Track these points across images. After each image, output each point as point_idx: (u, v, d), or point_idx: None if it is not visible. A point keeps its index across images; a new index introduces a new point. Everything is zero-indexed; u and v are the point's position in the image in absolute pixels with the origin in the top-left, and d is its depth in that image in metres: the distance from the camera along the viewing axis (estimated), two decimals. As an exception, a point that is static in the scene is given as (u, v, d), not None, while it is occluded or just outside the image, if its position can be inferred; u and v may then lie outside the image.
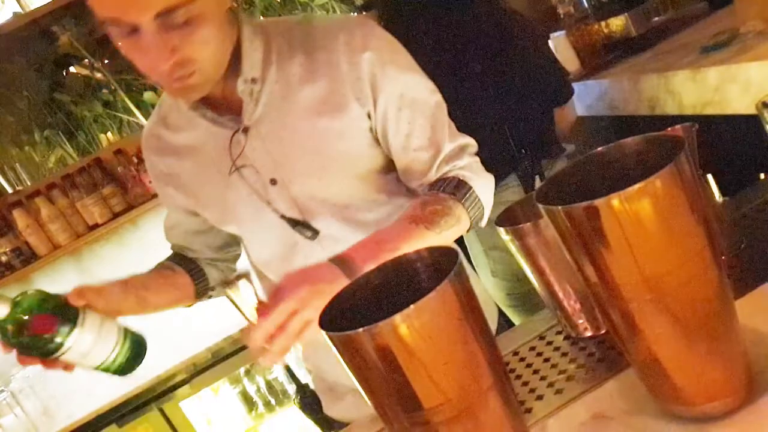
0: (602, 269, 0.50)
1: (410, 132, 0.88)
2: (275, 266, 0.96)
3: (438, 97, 0.91)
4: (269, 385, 2.24)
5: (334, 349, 0.51)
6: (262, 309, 0.73)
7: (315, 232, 0.91)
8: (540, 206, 0.53)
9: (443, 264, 0.52)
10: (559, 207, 0.50)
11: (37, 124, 2.27)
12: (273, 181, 0.89)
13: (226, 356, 2.08)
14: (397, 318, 0.46)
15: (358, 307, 0.55)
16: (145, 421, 2.05)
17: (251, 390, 2.25)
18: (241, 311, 0.76)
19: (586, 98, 1.94)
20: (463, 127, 1.41)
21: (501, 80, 1.45)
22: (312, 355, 1.06)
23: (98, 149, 2.34)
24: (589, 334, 0.76)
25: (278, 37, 0.88)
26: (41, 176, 2.32)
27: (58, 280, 2.40)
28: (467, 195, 0.87)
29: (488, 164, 1.46)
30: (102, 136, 2.40)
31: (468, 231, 0.90)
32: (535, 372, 0.74)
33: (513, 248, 0.76)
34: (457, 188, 0.86)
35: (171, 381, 2.05)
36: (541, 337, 0.81)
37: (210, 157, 0.91)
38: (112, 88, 2.31)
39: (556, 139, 1.61)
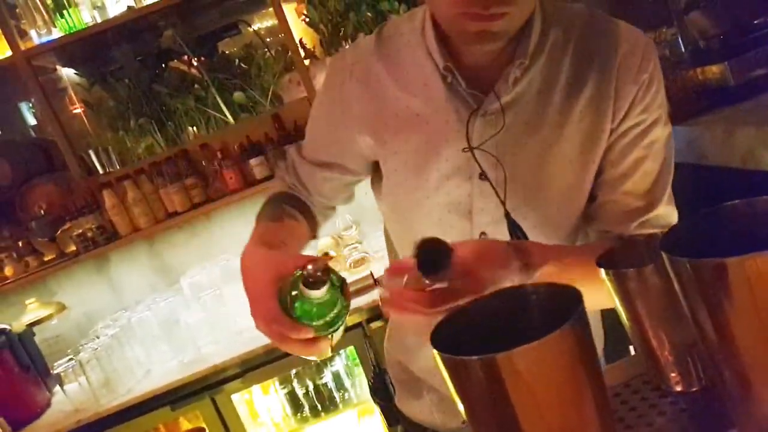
0: (723, 328, 0.50)
1: (629, 173, 0.81)
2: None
3: (671, 153, 0.83)
4: (317, 390, 2.27)
5: (443, 370, 0.52)
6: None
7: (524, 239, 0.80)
8: (665, 255, 0.52)
9: (559, 302, 0.52)
10: (687, 260, 0.50)
11: (134, 112, 2.40)
12: (482, 176, 0.81)
13: (278, 357, 2.12)
14: (518, 352, 0.47)
15: (470, 329, 0.56)
16: (197, 408, 2.11)
17: (299, 392, 2.28)
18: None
19: (674, 144, 1.89)
20: None
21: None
22: (403, 343, 1.02)
23: (184, 141, 2.45)
24: (680, 389, 0.74)
25: (558, 25, 0.80)
26: (131, 161, 2.45)
27: (131, 259, 2.52)
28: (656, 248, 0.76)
29: None
30: (189, 129, 2.51)
31: None
32: (620, 420, 0.73)
33: (611, 290, 0.75)
34: (648, 238, 0.77)
35: (224, 373, 2.10)
36: (627, 385, 0.80)
37: (431, 125, 0.82)
38: (205, 84, 2.42)
39: None
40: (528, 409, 0.49)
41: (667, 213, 0.84)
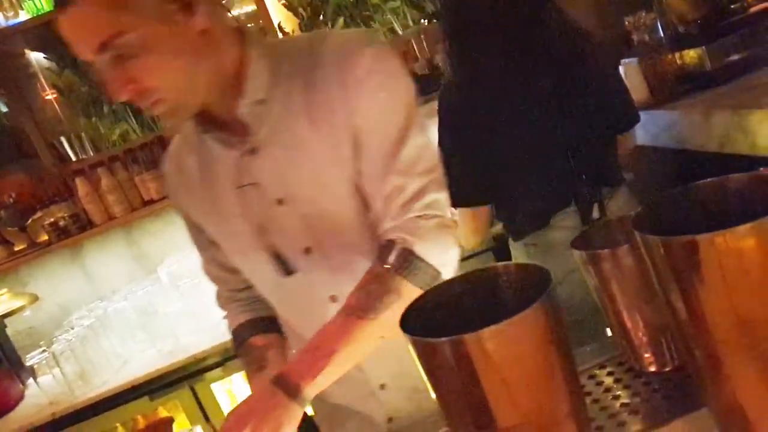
0: (695, 306, 0.49)
1: (373, 166, 0.87)
2: (268, 292, 1.01)
3: (411, 133, 0.88)
4: (298, 378, 2.25)
5: (413, 352, 0.50)
6: None
7: (289, 272, 0.94)
8: (637, 234, 0.52)
9: (530, 282, 0.51)
10: (658, 237, 0.49)
11: (107, 97, 2.34)
12: (280, 201, 0.90)
13: (258, 344, 2.11)
14: (486, 332, 0.46)
15: (439, 312, 0.55)
16: (176, 397, 2.08)
17: (280, 380, 2.26)
18: None
19: (652, 128, 1.89)
20: (524, 148, 1.39)
21: (567, 101, 1.41)
22: None
23: (160, 127, 2.40)
24: (653, 369, 0.74)
25: (285, 59, 0.89)
26: (104, 148, 2.39)
27: (107, 248, 2.47)
28: (409, 266, 0.83)
29: (548, 188, 1.44)
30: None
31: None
32: (595, 401, 0.73)
33: (585, 272, 0.74)
34: (398, 259, 0.83)
35: (204, 362, 2.08)
36: (602, 366, 0.80)
37: (220, 177, 0.93)
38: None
39: (618, 167, 1.55)
40: (498, 391, 0.48)
41: (402, 183, 0.87)
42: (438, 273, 0.85)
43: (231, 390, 2.30)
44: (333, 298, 0.93)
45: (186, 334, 2.15)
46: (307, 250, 0.91)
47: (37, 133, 2.21)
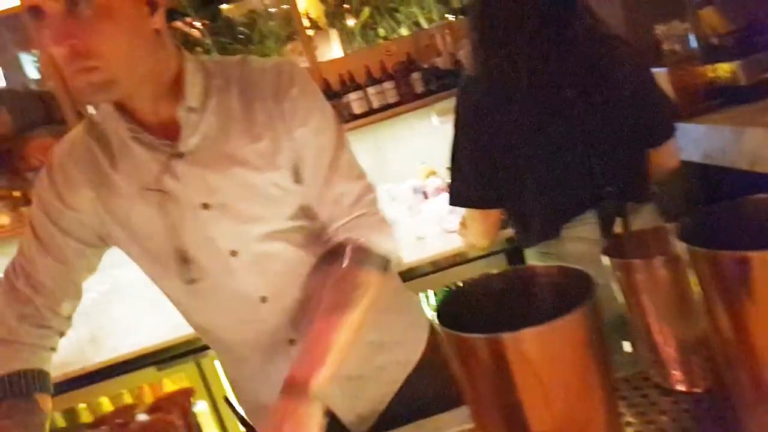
0: (741, 325, 0.49)
1: (313, 171, 0.95)
2: (177, 298, 1.04)
3: (341, 143, 0.97)
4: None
5: (447, 348, 0.51)
6: None
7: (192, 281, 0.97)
8: (682, 245, 0.51)
9: (571, 286, 0.52)
10: (708, 251, 0.49)
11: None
12: (205, 206, 0.93)
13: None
14: (527, 333, 0.46)
15: (474, 307, 0.55)
16: (182, 370, 2.11)
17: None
18: None
19: (678, 141, 1.88)
20: (542, 153, 1.37)
21: (592, 108, 1.36)
22: (248, 383, 1.09)
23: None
24: (682, 388, 0.73)
25: (218, 74, 0.94)
26: (129, 118, 2.40)
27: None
28: (365, 259, 0.93)
29: (569, 195, 1.38)
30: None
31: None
32: (620, 415, 0.72)
33: (615, 281, 0.74)
34: (353, 255, 0.93)
35: (211, 337, 2.10)
36: (626, 380, 0.79)
37: (140, 180, 0.93)
38: (207, 47, 2.38)
39: (646, 182, 1.48)
40: (533, 394, 0.48)
41: (351, 189, 0.97)
42: (388, 259, 0.96)
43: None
44: (263, 299, 0.97)
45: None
46: (233, 253, 0.95)
47: (65, 99, 2.22)
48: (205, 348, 2.09)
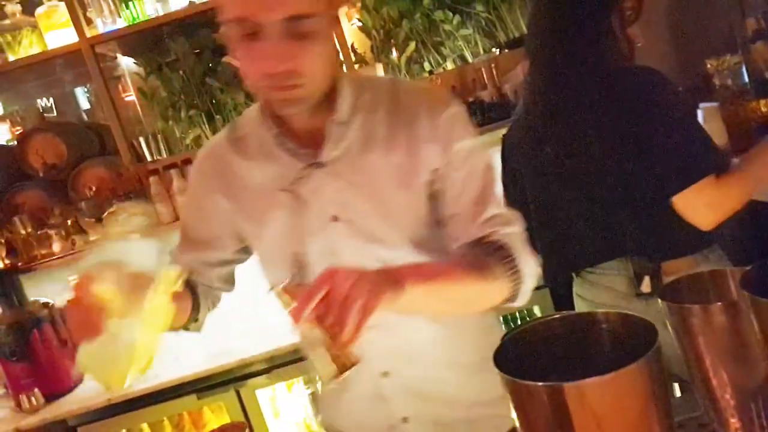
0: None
1: (462, 190, 0.94)
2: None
3: (489, 159, 0.98)
4: (342, 394, 2.26)
5: (505, 392, 0.50)
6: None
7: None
8: (745, 294, 0.50)
9: (631, 334, 0.51)
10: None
11: (185, 103, 2.45)
12: (335, 218, 0.94)
13: (304, 357, 2.13)
14: (588, 383, 0.45)
15: (532, 350, 0.55)
16: (221, 399, 2.13)
17: (324, 394, 2.28)
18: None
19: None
20: (561, 196, 1.30)
21: (608, 150, 1.23)
22: (327, 407, 1.09)
23: (232, 135, 2.49)
24: (738, 435, 0.71)
25: (367, 91, 0.96)
26: (178, 151, 2.50)
27: (168, 248, 2.56)
28: (507, 260, 0.89)
29: (582, 243, 1.30)
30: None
31: (502, 305, 0.91)
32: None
33: (671, 324, 0.72)
34: (497, 251, 0.89)
35: (251, 368, 2.12)
36: (680, 425, 0.77)
37: (276, 182, 0.96)
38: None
39: (679, 236, 1.26)
40: (591, 442, 0.47)
41: (501, 213, 0.95)
42: (520, 290, 0.91)
43: (274, 398, 2.33)
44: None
45: (236, 337, 2.20)
46: None
47: (120, 132, 2.32)
48: (246, 377, 2.12)
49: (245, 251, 1.10)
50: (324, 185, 0.94)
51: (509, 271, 0.88)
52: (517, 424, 0.50)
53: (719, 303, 0.66)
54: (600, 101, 1.24)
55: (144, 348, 0.79)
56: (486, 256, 0.89)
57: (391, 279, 0.75)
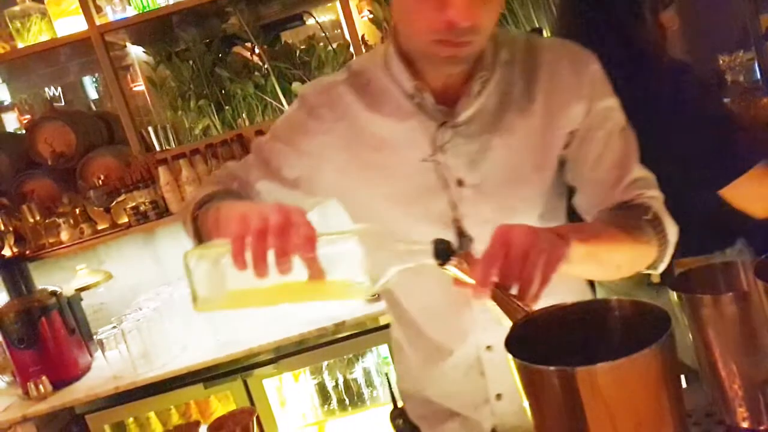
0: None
1: (603, 152, 0.90)
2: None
3: (630, 127, 0.93)
4: (347, 384, 2.27)
5: (516, 376, 0.51)
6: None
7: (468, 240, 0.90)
8: (760, 282, 0.50)
9: (645, 322, 0.51)
10: (784, 291, 0.48)
11: (195, 93, 2.45)
12: (460, 182, 0.90)
13: (312, 347, 2.14)
14: (600, 367, 0.45)
15: (544, 337, 0.55)
16: (228, 388, 2.14)
17: (329, 384, 2.29)
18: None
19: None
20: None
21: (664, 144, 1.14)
22: (412, 374, 1.05)
23: (240, 126, 2.49)
24: (746, 425, 0.71)
25: (504, 47, 0.91)
26: (187, 141, 2.50)
27: (179, 237, 2.57)
28: (656, 224, 0.86)
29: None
30: (245, 114, 2.55)
31: (646, 270, 0.88)
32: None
33: (681, 315, 0.72)
34: (645, 214, 0.86)
35: (258, 357, 2.13)
36: (688, 415, 0.77)
37: (401, 142, 0.90)
38: (266, 72, 2.45)
39: (706, 234, 1.24)
40: (603, 429, 0.47)
41: (645, 175, 0.91)
42: (665, 255, 0.89)
43: (280, 388, 2.34)
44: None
45: (243, 327, 2.21)
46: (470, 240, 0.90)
47: (129, 121, 2.33)
48: (253, 367, 2.13)
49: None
50: (452, 146, 0.89)
51: (658, 235, 0.86)
52: (528, 410, 0.51)
53: (730, 293, 0.67)
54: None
55: (265, 298, 0.71)
56: (636, 219, 0.85)
57: (561, 237, 0.72)
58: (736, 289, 0.68)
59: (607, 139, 0.90)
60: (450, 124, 0.89)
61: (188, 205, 0.93)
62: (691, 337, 0.72)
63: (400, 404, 1.15)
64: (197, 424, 0.85)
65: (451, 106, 0.89)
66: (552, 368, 0.47)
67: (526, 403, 0.50)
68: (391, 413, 1.16)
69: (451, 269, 0.68)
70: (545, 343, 0.52)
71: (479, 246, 0.87)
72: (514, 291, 0.65)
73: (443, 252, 0.67)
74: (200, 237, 0.88)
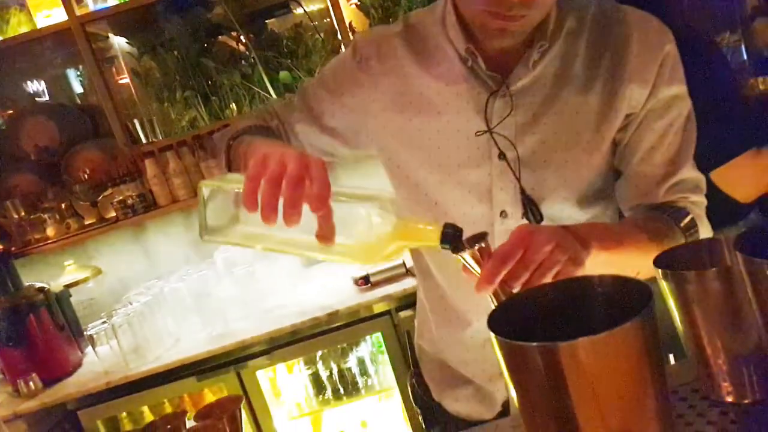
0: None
1: (657, 145, 0.85)
2: None
3: (693, 123, 0.87)
4: (341, 373, 2.27)
5: (499, 355, 0.50)
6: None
7: (539, 218, 0.84)
8: (740, 256, 0.50)
9: (628, 297, 0.50)
10: (765, 261, 0.47)
11: (180, 84, 2.42)
12: (501, 155, 0.84)
13: (305, 337, 2.13)
14: (582, 342, 0.45)
15: (527, 316, 0.54)
16: (222, 380, 2.13)
17: (323, 374, 2.29)
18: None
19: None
20: None
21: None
22: (433, 337, 1.03)
23: (228, 116, 2.47)
24: (731, 399, 0.71)
25: (572, 14, 0.84)
26: (174, 133, 2.48)
27: (167, 230, 2.56)
28: (691, 233, 0.81)
29: None
30: (233, 105, 2.53)
31: None
32: None
33: (666, 291, 0.72)
34: (682, 221, 0.82)
35: (251, 349, 2.12)
36: (674, 392, 0.77)
37: (448, 106, 0.86)
38: (252, 62, 2.43)
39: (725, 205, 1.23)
40: (586, 403, 0.47)
41: (693, 177, 0.87)
42: None
43: (274, 379, 2.34)
44: None
45: (236, 319, 2.21)
46: (503, 214, 0.86)
47: (114, 114, 2.30)
48: (246, 358, 2.12)
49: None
50: (501, 117, 0.83)
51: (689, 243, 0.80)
52: (512, 389, 0.50)
53: (714, 269, 0.66)
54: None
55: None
56: (671, 225, 0.81)
57: (583, 244, 0.70)
58: (721, 265, 0.67)
59: (664, 131, 0.84)
60: (501, 93, 0.83)
61: (224, 135, 0.91)
62: (676, 313, 0.72)
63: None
64: (184, 413, 0.83)
65: (505, 74, 0.83)
66: (535, 344, 0.46)
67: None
68: (411, 376, 1.14)
69: (466, 256, 0.67)
70: (529, 322, 0.51)
71: (512, 222, 0.85)
72: (516, 290, 0.64)
73: (451, 237, 0.64)
74: (230, 168, 0.86)
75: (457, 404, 1.02)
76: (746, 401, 0.70)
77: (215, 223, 0.70)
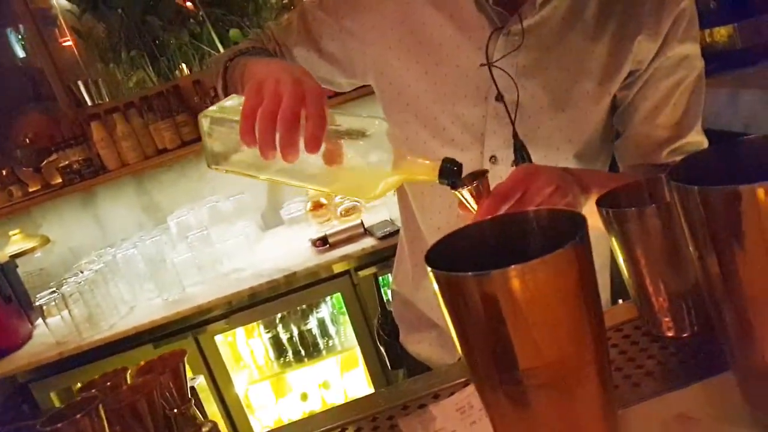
0: (728, 262, 0.48)
1: (661, 105, 0.81)
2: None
3: (703, 84, 0.84)
4: (302, 336, 2.28)
5: (436, 288, 0.50)
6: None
7: (524, 159, 0.82)
8: (672, 183, 0.50)
9: (562, 228, 0.50)
10: (696, 187, 0.48)
11: (126, 44, 2.32)
12: (499, 98, 0.81)
13: (263, 300, 2.12)
14: (514, 270, 0.44)
15: (465, 252, 0.54)
16: (179, 346, 2.10)
17: (284, 337, 2.29)
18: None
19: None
20: None
21: None
22: (407, 276, 1.04)
23: (177, 77, 2.38)
24: (671, 334, 0.73)
25: None
26: (120, 94, 2.38)
27: (119, 196, 2.48)
28: None
29: None
30: (182, 65, 2.44)
31: None
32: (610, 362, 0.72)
33: (609, 231, 0.73)
34: None
35: (209, 314, 2.10)
36: (618, 329, 0.79)
37: (450, 38, 0.83)
38: (201, 19, 2.34)
39: None
40: (521, 333, 0.47)
41: (698, 141, 0.84)
42: None
43: (234, 343, 2.33)
44: None
45: (192, 285, 2.17)
46: (493, 159, 0.84)
47: (55, 75, 2.19)
48: (204, 324, 2.10)
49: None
50: (500, 53, 0.80)
51: None
52: (449, 323, 0.50)
53: (653, 205, 0.67)
54: None
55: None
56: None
57: (583, 188, 0.69)
58: (660, 202, 0.68)
59: (670, 91, 0.81)
60: (505, 31, 0.80)
61: (220, 58, 0.88)
62: (618, 252, 0.73)
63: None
64: (125, 370, 0.81)
65: (512, 11, 0.80)
66: (469, 274, 0.46)
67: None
68: (379, 314, 1.16)
69: (464, 192, 0.65)
70: (468, 258, 0.51)
71: (501, 168, 0.84)
72: None
73: (450, 172, 0.63)
74: (227, 93, 0.83)
75: (419, 346, 1.04)
76: (685, 335, 0.73)
77: (220, 151, 0.69)
